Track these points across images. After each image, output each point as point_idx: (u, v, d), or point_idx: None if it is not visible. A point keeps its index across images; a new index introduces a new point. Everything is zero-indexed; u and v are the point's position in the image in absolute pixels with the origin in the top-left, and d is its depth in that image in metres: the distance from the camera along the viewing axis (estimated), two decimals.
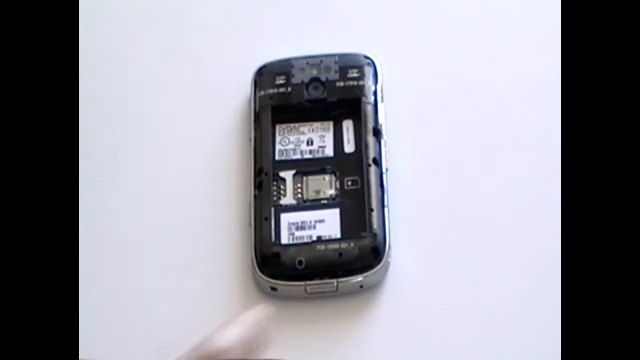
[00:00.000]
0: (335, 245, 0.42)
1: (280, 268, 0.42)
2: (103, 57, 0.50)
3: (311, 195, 0.44)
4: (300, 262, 0.42)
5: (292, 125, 0.46)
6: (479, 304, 0.42)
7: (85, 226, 0.42)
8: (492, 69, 0.49)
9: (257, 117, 0.46)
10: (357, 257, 0.42)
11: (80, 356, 0.37)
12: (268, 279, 0.42)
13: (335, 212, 0.43)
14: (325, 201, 0.44)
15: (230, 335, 0.36)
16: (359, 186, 0.44)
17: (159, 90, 0.49)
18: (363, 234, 0.43)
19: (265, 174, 0.44)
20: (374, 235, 0.43)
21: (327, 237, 0.43)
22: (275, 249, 0.42)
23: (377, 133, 0.45)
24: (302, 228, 0.43)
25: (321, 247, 0.43)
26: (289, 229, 0.43)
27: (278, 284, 0.42)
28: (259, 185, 0.44)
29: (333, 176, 0.44)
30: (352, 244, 0.42)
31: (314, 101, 0.46)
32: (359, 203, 0.43)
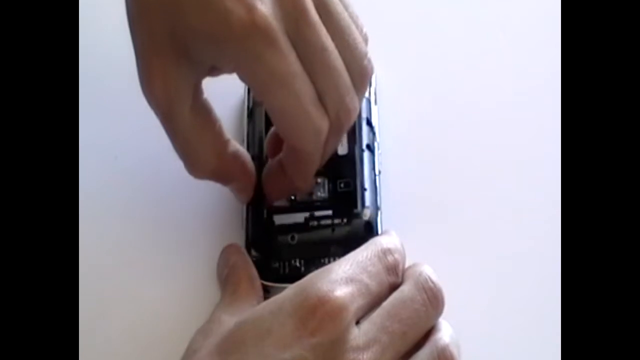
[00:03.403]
0: (328, 221, 0.43)
1: (272, 244, 0.42)
2: (103, 57, 0.50)
3: (304, 197, 0.44)
4: (292, 237, 0.43)
5: None
6: (475, 305, 0.43)
7: (85, 227, 0.42)
8: (488, 71, 0.50)
9: (251, 113, 0.47)
10: (349, 232, 0.42)
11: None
12: (262, 282, 0.42)
13: (328, 213, 0.44)
14: (318, 203, 0.44)
15: (396, 237, 0.40)
16: (351, 188, 0.44)
17: None
18: (355, 210, 0.43)
19: (257, 167, 0.44)
20: (366, 211, 0.43)
21: (319, 215, 0.43)
22: (267, 227, 0.43)
23: (370, 125, 0.45)
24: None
25: (313, 223, 0.43)
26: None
27: (273, 286, 0.42)
28: None
29: (326, 178, 0.44)
30: (344, 219, 0.43)
31: None
32: (351, 204, 0.44)
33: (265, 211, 0.43)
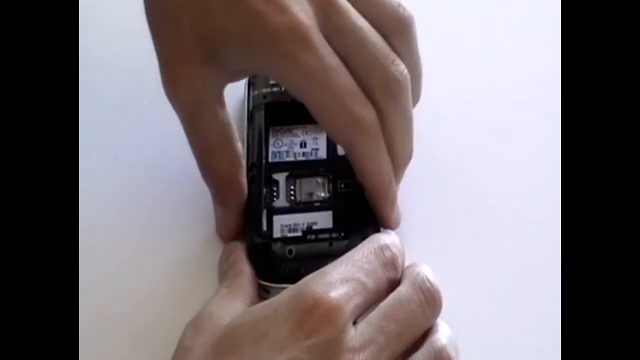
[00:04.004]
0: (326, 235, 0.43)
1: (269, 258, 0.42)
2: (103, 58, 0.50)
3: (304, 197, 0.44)
4: (290, 251, 0.42)
5: (285, 127, 0.46)
6: (474, 305, 0.43)
7: (85, 227, 0.42)
8: (488, 71, 0.50)
9: (251, 116, 0.47)
10: (347, 245, 0.42)
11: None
12: (260, 281, 0.42)
13: (328, 214, 0.44)
14: (318, 204, 0.44)
15: (394, 235, 0.40)
16: (351, 189, 0.44)
17: (158, 91, 0.49)
18: (354, 224, 0.43)
19: (256, 167, 0.44)
20: (365, 225, 0.43)
21: (317, 228, 0.43)
22: (265, 239, 0.43)
23: None
24: (295, 230, 0.43)
25: (311, 236, 0.43)
26: (282, 231, 0.43)
27: (273, 286, 0.42)
28: (251, 180, 0.44)
29: (326, 179, 0.44)
30: (342, 233, 0.43)
31: None
32: (352, 205, 0.44)
33: (264, 212, 0.43)
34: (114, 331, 0.43)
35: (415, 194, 0.46)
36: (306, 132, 0.46)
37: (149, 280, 0.44)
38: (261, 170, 0.44)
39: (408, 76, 0.40)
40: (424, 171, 0.47)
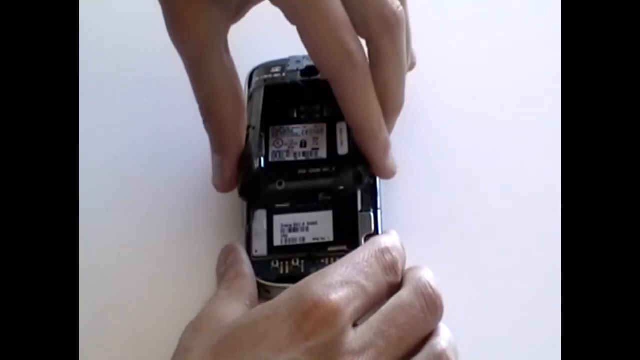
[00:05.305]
0: (317, 170, 0.43)
1: (260, 190, 0.43)
2: (103, 57, 0.50)
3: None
4: (280, 183, 0.43)
5: (285, 127, 0.46)
6: (474, 308, 0.43)
7: (85, 226, 0.42)
8: (490, 72, 0.50)
9: (250, 97, 0.47)
10: (337, 181, 0.43)
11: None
12: (260, 281, 0.42)
13: (329, 214, 0.44)
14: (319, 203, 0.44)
15: (396, 236, 0.40)
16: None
17: (159, 91, 0.49)
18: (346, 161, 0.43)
19: (253, 128, 0.45)
20: (356, 162, 0.43)
21: (308, 163, 0.44)
22: (255, 175, 0.43)
23: None
24: (295, 230, 0.43)
25: (302, 171, 0.43)
26: (282, 230, 0.43)
27: (273, 286, 0.42)
28: (246, 138, 0.45)
29: None
30: (333, 168, 0.43)
31: (307, 82, 0.46)
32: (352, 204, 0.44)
33: (256, 161, 0.43)
34: (114, 332, 0.43)
35: (415, 195, 0.46)
36: (306, 132, 0.46)
37: (149, 280, 0.44)
38: (257, 131, 0.44)
39: (404, 14, 0.40)
40: (424, 172, 0.47)
